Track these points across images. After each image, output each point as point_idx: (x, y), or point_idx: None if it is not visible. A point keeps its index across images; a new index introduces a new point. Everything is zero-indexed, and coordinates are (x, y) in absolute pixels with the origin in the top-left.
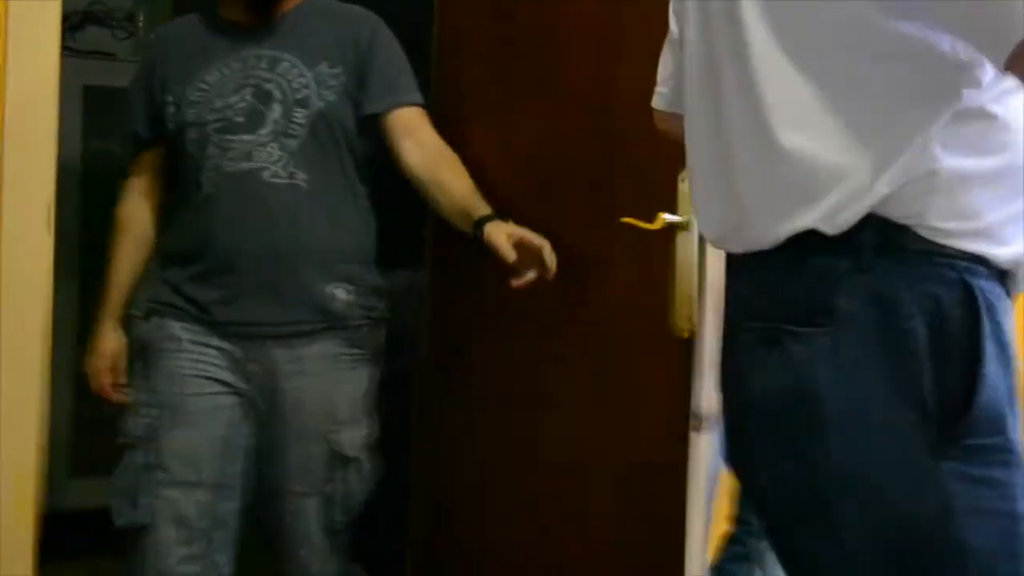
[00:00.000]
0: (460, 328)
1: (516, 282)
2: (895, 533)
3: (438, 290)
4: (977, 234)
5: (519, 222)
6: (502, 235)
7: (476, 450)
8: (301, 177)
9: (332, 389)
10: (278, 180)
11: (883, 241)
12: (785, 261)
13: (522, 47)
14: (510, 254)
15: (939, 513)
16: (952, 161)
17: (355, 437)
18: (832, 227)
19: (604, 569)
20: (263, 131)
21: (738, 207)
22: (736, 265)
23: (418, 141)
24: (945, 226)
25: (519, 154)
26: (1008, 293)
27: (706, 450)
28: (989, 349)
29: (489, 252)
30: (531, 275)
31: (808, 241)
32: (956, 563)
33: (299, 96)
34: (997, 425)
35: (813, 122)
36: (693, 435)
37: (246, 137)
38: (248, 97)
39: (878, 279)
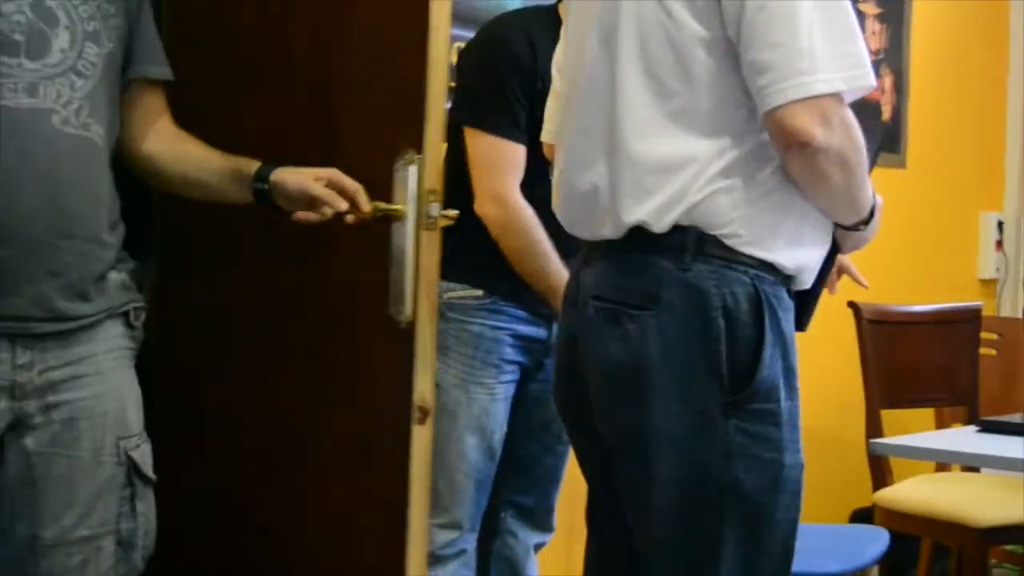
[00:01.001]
0: (184, 320)
1: (306, 216)
2: (690, 470)
3: (163, 281)
4: (767, 247)
5: (240, 213)
6: (306, 176)
7: (203, 437)
8: (96, 131)
9: (123, 391)
10: (69, 129)
11: (698, 247)
12: (625, 254)
13: (248, 38)
14: (323, 191)
15: (723, 456)
16: (751, 186)
17: (147, 452)
18: (659, 225)
19: (330, 559)
20: (50, 60)
21: (592, 200)
22: (586, 250)
23: (162, 122)
24: (743, 239)
25: (241, 143)
26: (790, 293)
27: (428, 442)
28: (769, 337)
29: (215, 238)
30: (331, 212)
31: (643, 240)
32: (732, 493)
33: (89, 28)
34: (772, 395)
35: (653, 134)
36: (416, 428)
37: (28, 64)
38: (27, 10)
39: (693, 277)
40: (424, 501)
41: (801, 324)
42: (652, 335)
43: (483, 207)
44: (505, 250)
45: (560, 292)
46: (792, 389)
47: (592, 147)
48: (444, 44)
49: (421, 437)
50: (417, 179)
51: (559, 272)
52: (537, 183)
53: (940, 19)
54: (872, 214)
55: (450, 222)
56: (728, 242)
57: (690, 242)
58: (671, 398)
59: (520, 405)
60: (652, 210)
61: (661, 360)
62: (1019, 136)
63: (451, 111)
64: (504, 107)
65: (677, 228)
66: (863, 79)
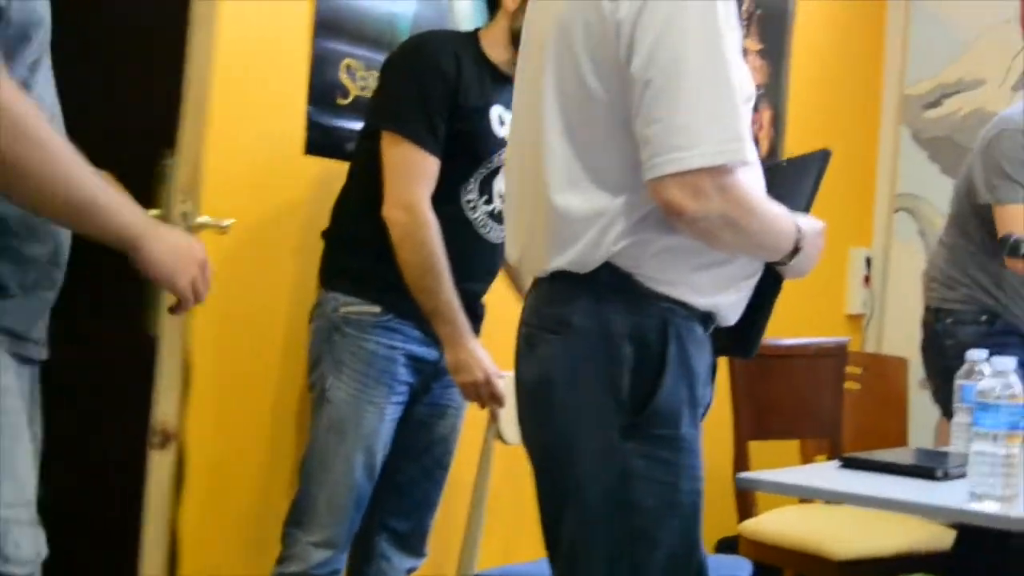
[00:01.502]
0: None
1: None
2: (590, 485)
3: None
4: (679, 288)
5: None
6: None
7: None
8: None
9: None
10: None
11: (614, 283)
12: (549, 287)
13: None
14: None
15: (620, 476)
16: (663, 235)
17: None
18: (580, 269)
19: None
20: None
21: (528, 244)
22: (531, 285)
23: None
24: (655, 278)
25: None
26: (707, 329)
27: (167, 467)
28: (672, 366)
29: None
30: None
31: (565, 275)
32: (627, 513)
33: None
34: (672, 421)
35: (572, 189)
36: (154, 453)
37: None
38: None
39: (606, 308)
40: (160, 530)
41: (747, 351)
42: (560, 357)
43: (390, 211)
44: (401, 261)
45: (445, 315)
46: (696, 419)
47: (525, 195)
48: (206, 45)
49: (160, 462)
50: (172, 180)
51: (448, 296)
52: (445, 200)
53: (818, 55)
54: (798, 247)
55: (223, 231)
56: (641, 280)
57: (606, 278)
58: (574, 418)
59: (404, 427)
60: (572, 259)
61: (566, 381)
62: (888, 174)
63: (368, 116)
64: (424, 117)
65: (595, 268)
66: (738, 154)
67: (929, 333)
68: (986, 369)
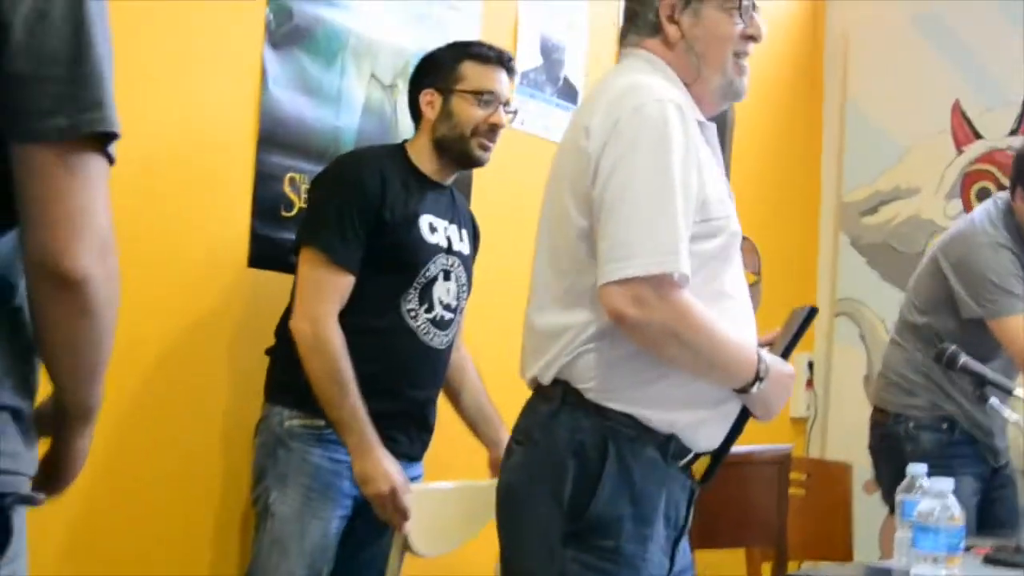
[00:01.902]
0: None
1: None
2: None
3: None
4: (627, 401)
5: None
6: None
7: None
8: None
9: None
10: None
11: (565, 398)
12: (529, 400)
13: None
14: None
15: None
16: (615, 348)
17: None
18: (545, 379)
19: None
20: None
21: (522, 359)
22: None
23: None
24: (604, 392)
25: None
26: (665, 448)
27: None
28: (609, 479)
29: None
30: None
31: (538, 390)
32: None
33: None
34: (611, 533)
35: (548, 308)
36: None
37: None
38: None
39: (557, 421)
40: None
41: (704, 479)
42: (521, 467)
43: (296, 324)
44: (308, 371)
45: (351, 426)
46: (643, 537)
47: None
48: None
49: None
50: None
51: (353, 407)
52: (387, 312)
53: (757, 164)
54: (760, 376)
55: None
56: (589, 395)
57: (560, 393)
58: (526, 523)
59: (348, 540)
60: (537, 372)
61: (524, 490)
62: (828, 279)
63: (298, 231)
64: (340, 233)
65: (556, 381)
66: (671, 265)
67: (887, 436)
68: (926, 484)
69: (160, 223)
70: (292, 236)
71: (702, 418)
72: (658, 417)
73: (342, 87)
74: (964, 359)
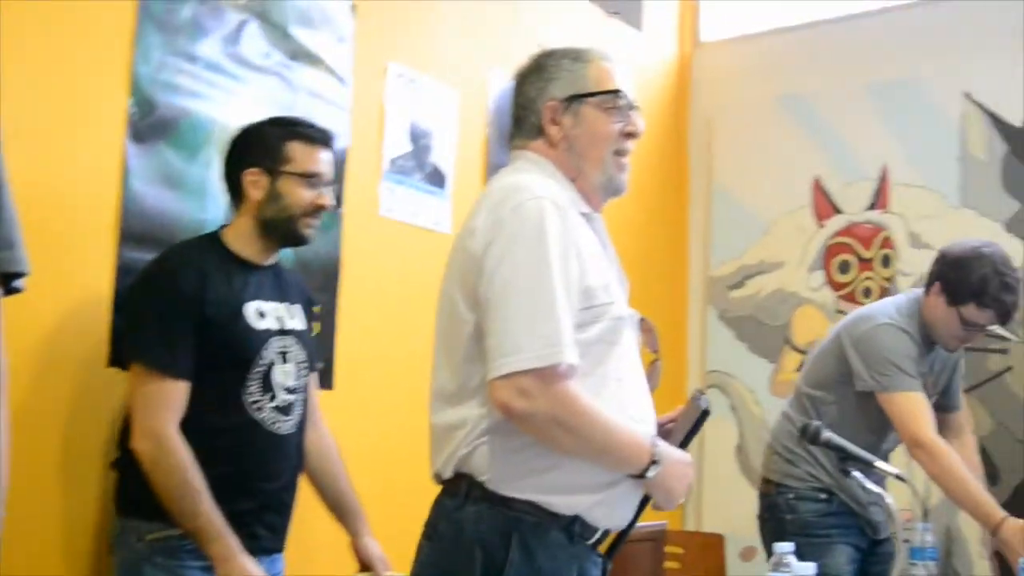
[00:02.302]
0: None
1: None
2: None
3: None
4: (528, 487)
5: None
6: None
7: None
8: None
9: None
10: None
11: (471, 491)
12: (439, 494)
13: None
14: None
15: None
16: (511, 438)
17: None
18: (446, 473)
19: None
20: None
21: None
22: None
23: None
24: (505, 482)
25: None
26: (574, 532)
27: None
28: (513, 568)
29: None
30: None
31: (443, 485)
32: None
33: None
34: None
35: (447, 405)
36: None
37: None
38: None
39: (464, 515)
40: None
41: (609, 553)
42: (428, 561)
43: (137, 443)
44: (155, 487)
45: (210, 534)
46: None
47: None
48: None
49: None
50: None
51: (208, 515)
52: (230, 409)
53: (626, 239)
54: (655, 460)
55: None
56: (491, 486)
57: (464, 486)
58: None
59: None
60: (440, 467)
61: None
62: (698, 352)
63: (123, 345)
64: (166, 343)
65: (459, 475)
66: (555, 357)
67: (770, 506)
68: (792, 563)
69: (16, 322)
70: None
71: (604, 499)
72: (559, 501)
73: (207, 180)
74: (826, 434)
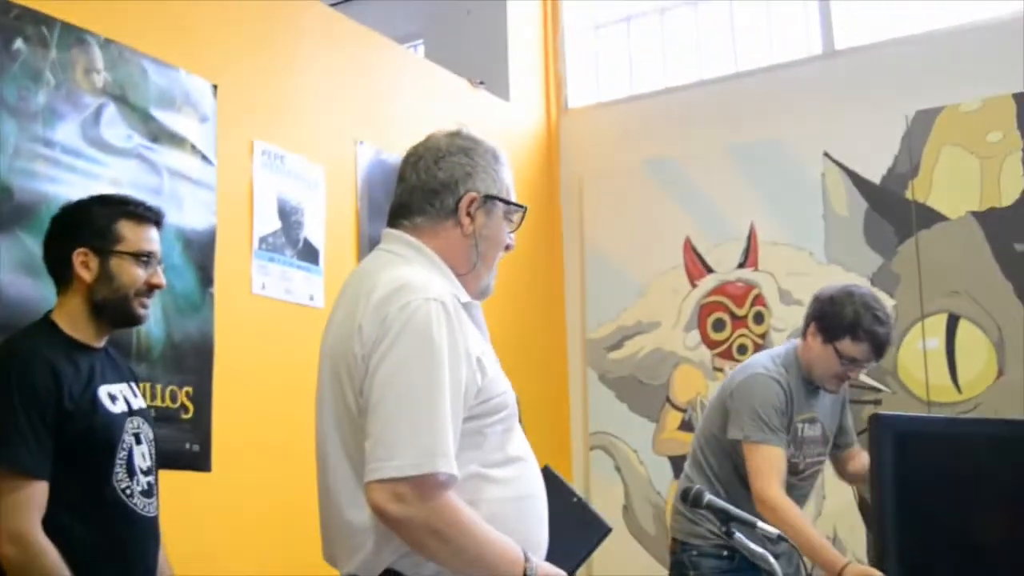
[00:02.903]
0: None
1: None
2: None
3: None
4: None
5: None
6: None
7: None
8: None
9: None
10: None
11: None
12: None
13: None
14: None
15: None
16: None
17: None
18: (367, 573)
19: None
20: None
21: (330, 552)
22: None
23: None
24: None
25: None
26: None
27: None
28: None
29: None
30: None
31: None
32: None
33: None
34: None
35: (350, 503)
36: None
37: None
38: None
39: None
40: None
41: None
42: None
43: (2, 548)
44: None
45: None
46: None
47: (327, 507)
48: None
49: None
50: None
51: None
52: (103, 499)
53: (503, 307)
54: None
55: None
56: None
57: None
58: None
59: None
60: (358, 566)
61: None
62: (580, 414)
63: None
64: (24, 442)
65: (389, 572)
66: (432, 466)
67: (676, 564)
68: None
69: None
70: None
71: None
72: None
73: None
74: (708, 497)
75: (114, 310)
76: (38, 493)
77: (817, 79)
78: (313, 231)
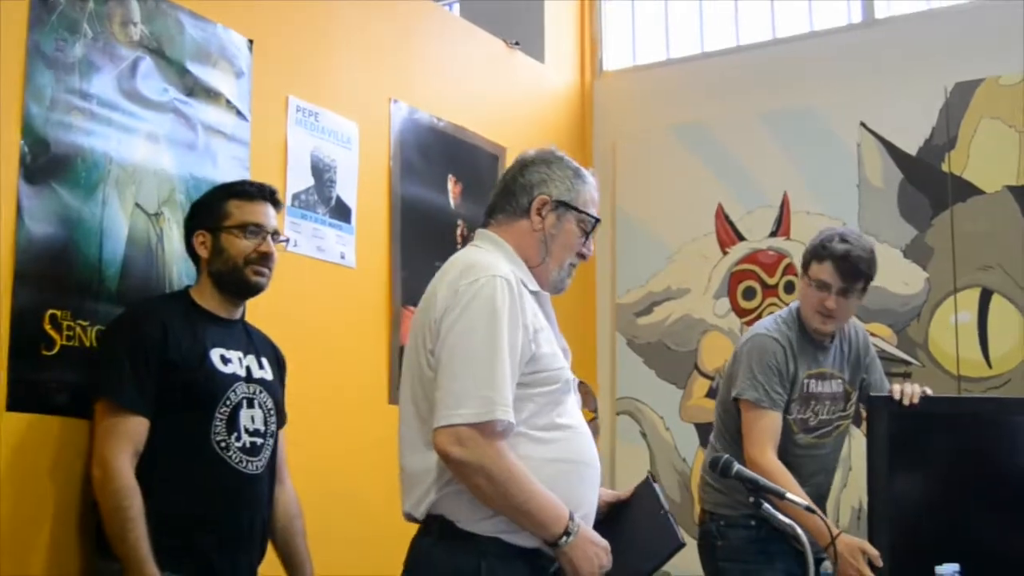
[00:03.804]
0: None
1: None
2: None
3: None
4: (491, 525)
5: None
6: None
7: None
8: None
9: None
10: None
11: (444, 530)
12: (415, 534)
13: None
14: None
15: None
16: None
17: None
18: (418, 515)
19: None
20: None
21: (402, 490)
22: None
23: None
24: (471, 521)
25: None
26: (537, 563)
27: None
28: None
29: None
30: None
31: (415, 524)
32: None
33: None
34: None
35: (414, 451)
36: None
37: None
38: None
39: (435, 551)
40: None
41: None
42: None
43: (91, 471)
44: (100, 512)
45: (131, 562)
46: None
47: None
48: None
49: None
50: None
51: (135, 543)
52: (197, 450)
53: None
54: (568, 532)
55: None
56: (460, 525)
57: (437, 526)
58: None
59: None
60: (411, 508)
61: None
62: (608, 379)
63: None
64: (125, 379)
65: (431, 516)
66: (492, 414)
67: (704, 534)
68: None
69: None
70: (54, 376)
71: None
72: (518, 537)
73: (104, 218)
74: (737, 467)
75: (229, 280)
76: (132, 426)
77: (856, 48)
78: (346, 189)
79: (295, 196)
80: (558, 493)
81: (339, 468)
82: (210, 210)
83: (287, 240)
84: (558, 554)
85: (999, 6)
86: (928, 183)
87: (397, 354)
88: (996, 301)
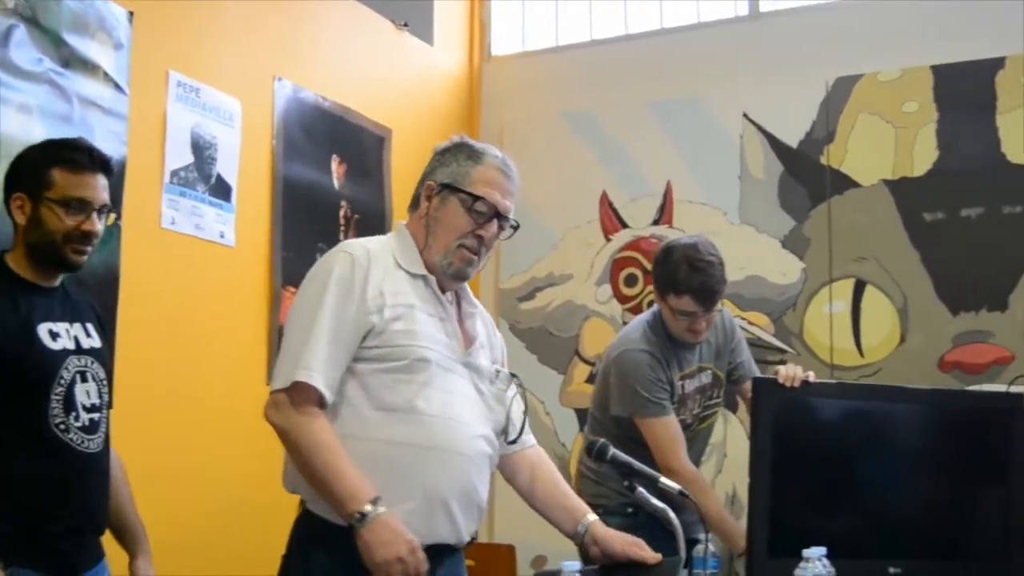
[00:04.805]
0: None
1: None
2: None
3: None
4: (316, 504)
5: None
6: None
7: None
8: None
9: None
10: None
11: (301, 506)
12: None
13: None
14: None
15: None
16: None
17: None
18: (288, 490)
19: None
20: None
21: None
22: None
23: None
24: (311, 502)
25: None
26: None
27: None
28: (321, 569)
29: None
30: None
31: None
32: None
33: None
34: None
35: None
36: None
37: None
38: None
39: (296, 527)
40: None
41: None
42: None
43: None
44: None
45: None
46: None
47: None
48: None
49: None
50: None
51: None
52: (36, 435)
53: None
54: (362, 513)
55: None
56: (307, 505)
57: (300, 502)
58: None
59: None
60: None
61: None
62: None
63: None
64: None
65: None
66: (296, 377)
67: None
68: None
69: None
70: None
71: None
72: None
73: None
74: (612, 452)
75: (44, 254)
76: None
77: (741, 41)
78: (226, 167)
79: (174, 173)
80: (393, 477)
81: (214, 448)
82: (33, 173)
83: (111, 210)
84: (355, 535)
85: (880, 4)
86: (807, 175)
87: (276, 335)
88: (869, 292)
